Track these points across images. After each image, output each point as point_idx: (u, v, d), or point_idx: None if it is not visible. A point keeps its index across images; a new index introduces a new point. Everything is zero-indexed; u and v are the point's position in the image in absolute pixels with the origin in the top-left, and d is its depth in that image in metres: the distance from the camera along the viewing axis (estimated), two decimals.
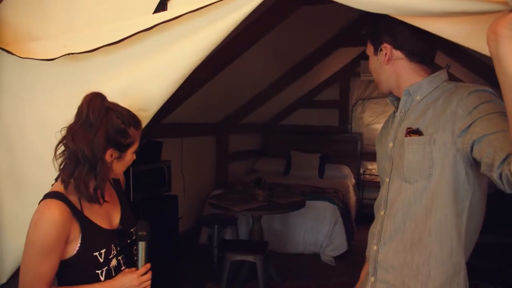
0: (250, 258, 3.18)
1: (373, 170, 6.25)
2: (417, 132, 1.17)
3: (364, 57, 5.85)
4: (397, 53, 1.23)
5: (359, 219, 5.32)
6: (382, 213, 1.29)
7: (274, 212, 3.60)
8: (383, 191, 1.30)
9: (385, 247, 1.25)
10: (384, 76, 1.29)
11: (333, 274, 3.88)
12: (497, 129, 0.97)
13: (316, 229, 4.31)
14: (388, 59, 1.24)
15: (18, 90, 1.54)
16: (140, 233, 1.28)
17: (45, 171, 1.51)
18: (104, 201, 1.25)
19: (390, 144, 1.28)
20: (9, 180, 1.62)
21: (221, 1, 1.13)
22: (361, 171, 6.28)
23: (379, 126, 6.17)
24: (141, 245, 1.29)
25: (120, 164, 1.28)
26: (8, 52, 1.47)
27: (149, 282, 1.27)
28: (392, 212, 1.23)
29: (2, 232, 1.65)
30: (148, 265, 1.29)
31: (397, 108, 1.31)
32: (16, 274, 1.71)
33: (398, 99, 1.33)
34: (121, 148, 1.24)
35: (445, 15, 1.01)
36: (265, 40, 3.33)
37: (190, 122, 4.51)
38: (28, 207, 1.59)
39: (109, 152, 1.21)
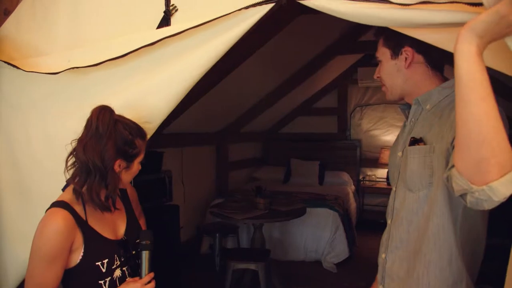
0: (252, 266, 3.18)
1: (373, 176, 6.27)
2: (420, 141, 1.17)
3: (362, 64, 5.93)
4: (419, 57, 1.22)
5: (360, 225, 5.33)
6: (389, 221, 1.29)
7: (275, 220, 3.60)
8: (390, 199, 1.31)
9: (391, 255, 1.26)
10: (399, 81, 1.26)
11: (335, 281, 3.88)
12: None
13: (317, 236, 4.32)
14: (409, 64, 1.23)
15: (24, 103, 1.57)
16: (144, 242, 1.30)
17: (49, 183, 1.53)
18: (116, 208, 1.30)
19: (399, 154, 1.28)
20: (13, 192, 1.64)
21: (224, 17, 1.16)
22: (361, 177, 6.29)
23: (377, 132, 6.22)
24: (145, 254, 1.30)
25: (127, 174, 1.32)
26: (13, 66, 1.50)
27: None
28: (397, 221, 1.24)
29: (5, 245, 1.66)
30: (152, 274, 1.30)
31: (407, 117, 1.31)
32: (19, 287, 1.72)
33: (409, 107, 1.31)
34: (129, 158, 1.28)
35: (435, 26, 1.04)
36: (263, 50, 3.36)
37: (189, 132, 4.54)
38: (32, 219, 1.60)
39: (117, 162, 1.25)
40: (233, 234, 4.25)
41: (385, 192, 6.06)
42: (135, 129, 1.28)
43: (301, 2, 1.11)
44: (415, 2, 0.98)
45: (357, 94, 6.35)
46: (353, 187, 5.95)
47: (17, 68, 1.49)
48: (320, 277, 4.00)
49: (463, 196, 0.92)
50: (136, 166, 1.32)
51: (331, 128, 6.55)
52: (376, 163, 6.12)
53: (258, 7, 1.15)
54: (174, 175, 3.62)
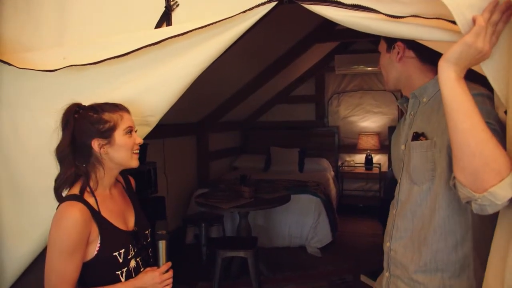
0: (241, 254, 3.24)
1: (351, 162, 6.42)
2: (421, 135, 1.23)
3: (338, 51, 6.00)
4: (409, 53, 1.27)
5: (340, 210, 5.46)
6: (394, 212, 1.34)
7: (261, 208, 3.65)
8: (396, 191, 1.35)
9: (395, 244, 1.31)
10: (394, 74, 1.32)
11: (320, 265, 3.98)
12: None
13: (301, 222, 4.40)
14: (400, 58, 1.28)
15: (15, 100, 1.54)
16: (160, 232, 1.33)
17: (41, 180, 1.52)
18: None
19: (402, 147, 1.33)
20: (5, 190, 1.62)
21: (228, 19, 1.18)
22: (339, 163, 6.43)
23: (355, 119, 6.35)
24: (161, 244, 1.33)
25: (116, 149, 1.30)
26: (5, 63, 1.47)
27: (171, 280, 1.31)
28: (402, 212, 1.29)
29: (1, 240, 1.65)
30: (169, 263, 1.33)
31: (406, 111, 1.36)
32: (15, 284, 1.71)
33: (406, 100, 1.37)
34: (104, 134, 1.28)
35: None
36: (242, 39, 3.34)
37: (170, 123, 4.51)
38: (24, 215, 1.61)
39: (95, 142, 1.27)
40: (218, 223, 4.30)
41: (363, 177, 6.23)
42: (100, 105, 1.29)
43: (300, 3, 1.14)
44: (406, 15, 1.03)
45: (334, 81, 6.44)
46: (332, 173, 6.08)
47: (9, 64, 1.46)
48: (305, 262, 4.09)
49: (469, 202, 0.99)
50: (121, 139, 1.29)
51: (309, 115, 6.64)
52: (354, 149, 6.26)
53: (261, 7, 1.17)
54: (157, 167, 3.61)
